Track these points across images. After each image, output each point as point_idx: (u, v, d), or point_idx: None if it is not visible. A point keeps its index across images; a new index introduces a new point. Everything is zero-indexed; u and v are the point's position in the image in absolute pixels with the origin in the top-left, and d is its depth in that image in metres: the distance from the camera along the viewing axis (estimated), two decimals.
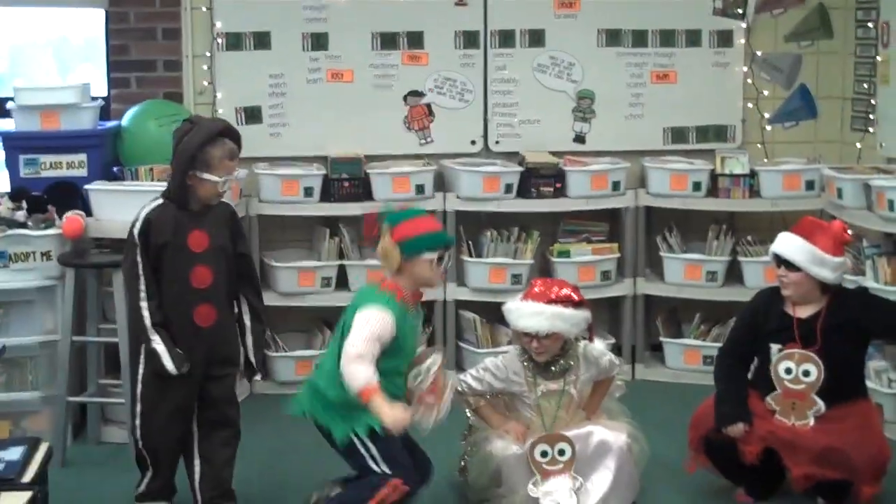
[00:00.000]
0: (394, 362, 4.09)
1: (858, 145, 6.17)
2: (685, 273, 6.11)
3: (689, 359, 6.11)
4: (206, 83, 6.13)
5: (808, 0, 6.35)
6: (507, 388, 4.58)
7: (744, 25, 6.32)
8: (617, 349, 6.03)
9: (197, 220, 4.31)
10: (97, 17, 6.17)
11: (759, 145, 6.39)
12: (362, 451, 4.08)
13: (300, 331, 6.22)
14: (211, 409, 4.40)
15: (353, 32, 6.16)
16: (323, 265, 5.97)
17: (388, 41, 6.21)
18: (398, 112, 6.24)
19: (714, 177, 6.10)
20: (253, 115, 6.18)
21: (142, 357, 4.31)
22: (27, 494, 3.95)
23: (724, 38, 6.34)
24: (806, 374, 4.41)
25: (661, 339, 6.19)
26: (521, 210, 6.06)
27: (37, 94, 5.62)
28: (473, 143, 6.30)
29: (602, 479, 4.43)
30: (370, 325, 3.99)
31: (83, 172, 5.56)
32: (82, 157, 5.58)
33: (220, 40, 6.09)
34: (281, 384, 5.96)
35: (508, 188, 6.02)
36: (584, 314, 4.49)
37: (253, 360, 4.48)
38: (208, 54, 6.11)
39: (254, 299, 4.51)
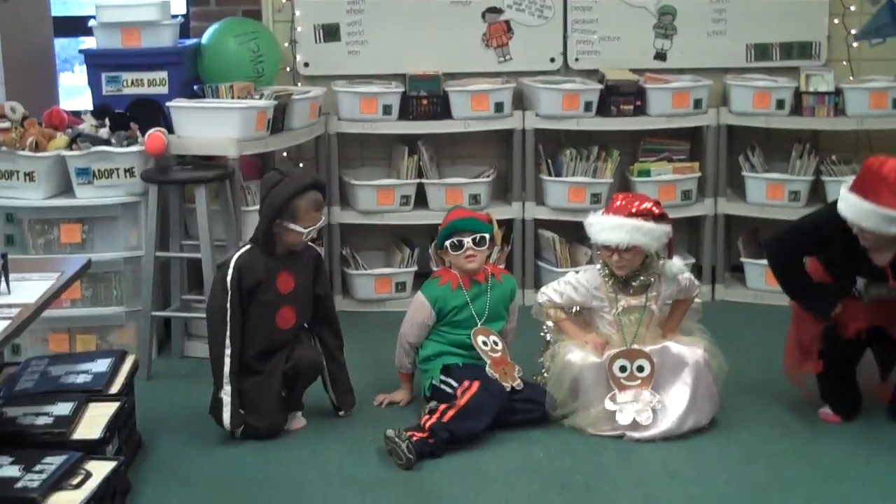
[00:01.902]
0: (455, 334, 4.61)
1: None
2: (767, 193, 6.01)
3: (770, 279, 5.96)
4: (284, 0, 6.11)
5: None
6: (587, 303, 4.58)
7: None
8: (697, 270, 5.99)
9: (284, 262, 4.49)
10: None
11: (844, 63, 6.24)
12: (445, 388, 4.52)
13: (379, 249, 6.25)
14: (298, 369, 4.52)
15: None
16: (402, 183, 5.96)
17: None
18: (477, 29, 6.19)
19: (798, 95, 5.99)
20: (331, 32, 6.15)
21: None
22: (115, 405, 4.07)
23: None
24: None
25: (743, 259, 6.13)
26: (600, 128, 6.00)
27: (117, 11, 5.64)
28: (553, 60, 6.23)
29: (680, 393, 4.44)
30: (409, 312, 4.72)
31: (164, 90, 5.60)
32: (163, 74, 5.62)
33: None
34: (360, 301, 6.00)
35: (588, 106, 5.95)
36: (664, 228, 4.47)
37: (333, 399, 4.65)
38: None
39: (330, 339, 4.65)
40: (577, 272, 4.69)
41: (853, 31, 6.21)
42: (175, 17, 5.87)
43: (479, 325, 4.62)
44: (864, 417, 4.58)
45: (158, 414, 4.65)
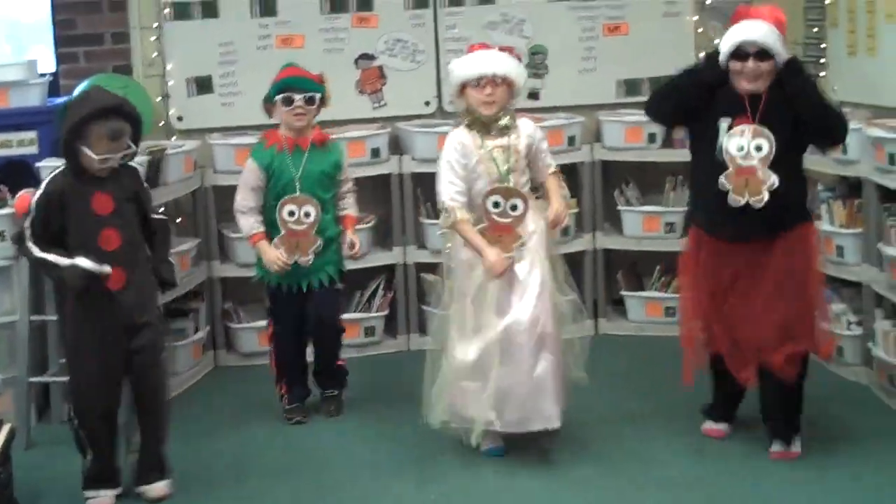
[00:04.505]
0: (272, 197, 4.90)
1: None
2: (644, 225, 6.12)
3: (650, 311, 6.12)
4: (155, 54, 6.07)
5: None
6: (468, 164, 4.55)
7: None
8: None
9: (100, 183, 4.25)
10: None
11: None
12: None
13: (261, 301, 6.18)
14: (141, 382, 4.36)
15: None
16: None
17: (337, 4, 6.16)
18: (350, 76, 6.21)
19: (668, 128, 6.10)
20: (204, 84, 6.12)
21: (65, 318, 4.35)
22: None
23: None
24: (758, 148, 4.37)
25: (623, 292, 6.21)
26: None
27: None
28: (427, 104, 6.28)
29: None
30: (241, 178, 4.99)
31: (34, 150, 5.50)
32: (32, 134, 5.52)
33: (167, 10, 6.03)
34: (244, 356, 5.95)
35: None
36: (524, 70, 4.73)
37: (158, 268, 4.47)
38: (156, 25, 6.05)
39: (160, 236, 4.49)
40: (441, 152, 4.65)
41: None
42: (43, 75, 5.80)
43: (296, 193, 4.87)
44: (748, 442, 4.65)
45: (38, 483, 4.53)
